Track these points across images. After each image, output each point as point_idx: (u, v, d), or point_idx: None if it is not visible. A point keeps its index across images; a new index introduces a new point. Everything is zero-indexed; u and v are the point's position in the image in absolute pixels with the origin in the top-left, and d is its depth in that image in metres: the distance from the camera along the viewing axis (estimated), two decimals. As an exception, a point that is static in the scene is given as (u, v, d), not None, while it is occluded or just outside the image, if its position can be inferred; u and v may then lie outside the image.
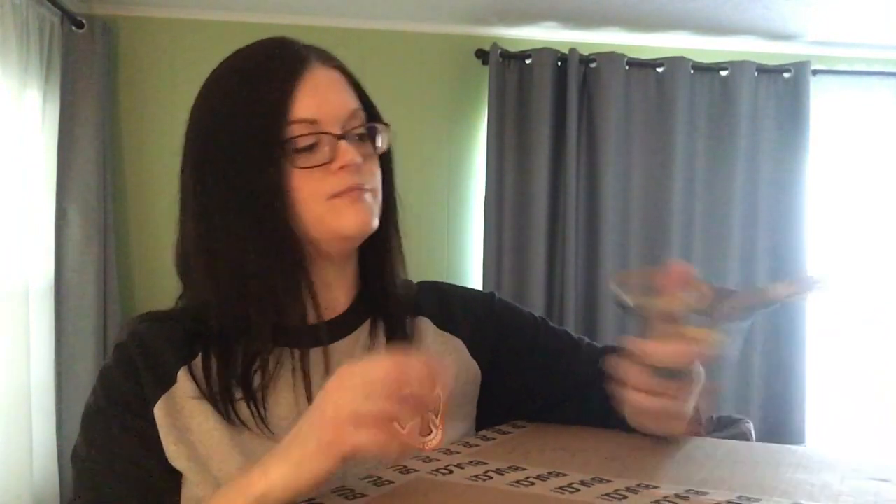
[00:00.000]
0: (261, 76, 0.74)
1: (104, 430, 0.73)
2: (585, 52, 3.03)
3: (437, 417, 0.78)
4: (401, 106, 3.08)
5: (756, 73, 3.11)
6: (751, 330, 3.12)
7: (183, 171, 0.79)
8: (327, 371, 0.75)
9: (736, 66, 3.09)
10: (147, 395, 0.73)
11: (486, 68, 2.99)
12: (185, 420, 0.73)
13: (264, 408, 0.73)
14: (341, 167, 0.72)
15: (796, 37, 3.12)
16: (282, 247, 0.73)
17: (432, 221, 3.10)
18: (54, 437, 2.57)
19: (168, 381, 0.74)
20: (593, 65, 3.04)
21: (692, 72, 3.08)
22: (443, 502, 0.64)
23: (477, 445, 0.81)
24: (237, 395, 0.73)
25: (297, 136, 0.72)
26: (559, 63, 3.03)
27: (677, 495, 0.62)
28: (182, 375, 0.74)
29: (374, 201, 0.76)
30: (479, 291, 0.96)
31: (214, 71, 0.80)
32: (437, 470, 0.71)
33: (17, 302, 2.31)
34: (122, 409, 0.73)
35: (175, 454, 0.72)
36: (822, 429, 3.19)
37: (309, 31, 3.00)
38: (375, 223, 0.76)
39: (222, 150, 0.74)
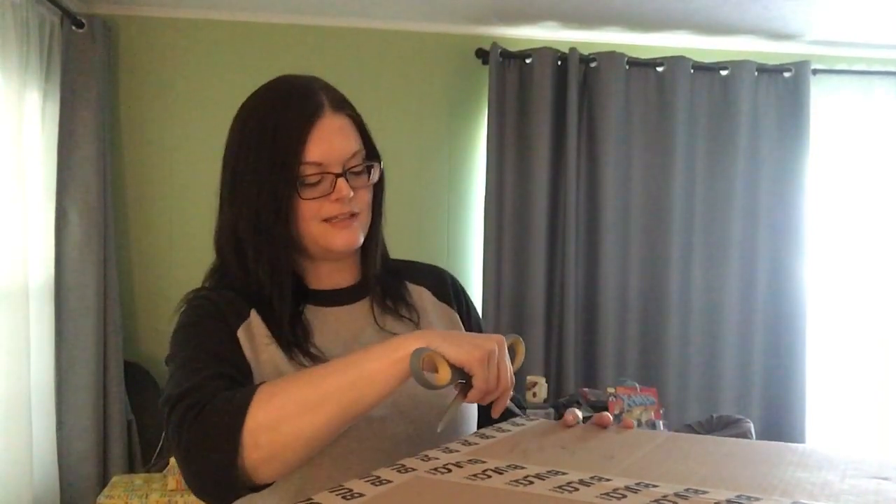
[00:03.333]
0: (282, 120, 0.91)
1: (199, 332, 0.90)
2: (585, 52, 3.03)
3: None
4: (401, 106, 3.08)
5: (756, 73, 3.11)
6: (751, 331, 3.12)
7: (222, 176, 0.97)
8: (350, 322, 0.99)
9: (736, 65, 3.08)
10: (231, 322, 0.91)
11: (486, 68, 2.99)
12: (257, 351, 0.91)
13: (314, 346, 0.94)
14: (336, 199, 0.92)
15: (796, 36, 3.12)
16: (281, 250, 0.94)
17: (432, 221, 3.10)
18: (54, 437, 2.57)
19: (244, 315, 0.92)
20: (593, 64, 3.04)
21: (692, 71, 3.08)
22: (440, 502, 0.63)
23: (476, 444, 0.81)
24: (292, 340, 0.93)
25: (307, 175, 0.91)
26: (559, 63, 3.02)
27: (677, 494, 0.62)
28: (254, 313, 0.93)
29: (360, 223, 0.96)
30: (442, 271, 1.13)
31: (249, 99, 0.97)
32: (435, 469, 0.71)
33: (17, 302, 2.31)
34: (213, 320, 0.91)
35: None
36: (822, 428, 3.19)
37: (309, 31, 3.01)
38: (360, 241, 0.97)
39: (248, 173, 0.93)
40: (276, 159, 0.90)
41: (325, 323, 0.97)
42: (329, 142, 0.91)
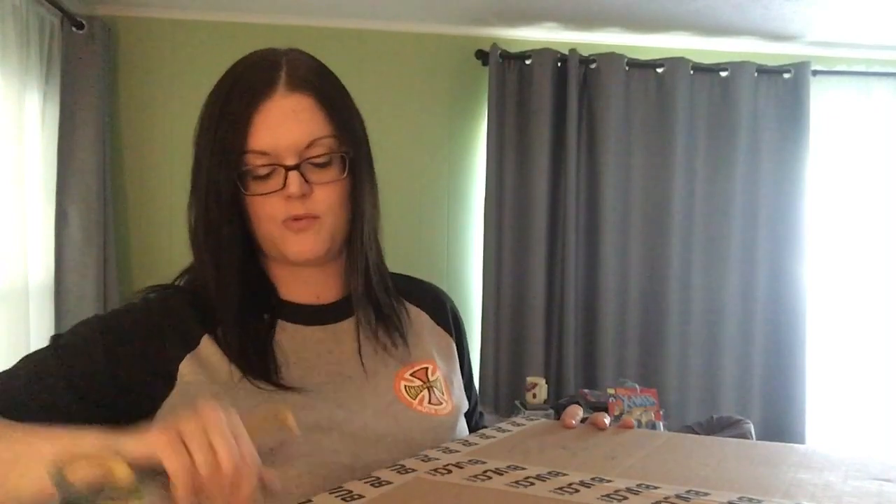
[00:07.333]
0: (228, 102, 0.78)
1: (85, 335, 0.77)
2: (585, 53, 3.03)
3: (443, 393, 0.88)
4: (401, 106, 3.08)
5: (756, 74, 3.11)
6: (751, 331, 3.12)
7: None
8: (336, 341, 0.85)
9: (736, 66, 3.08)
10: (170, 354, 0.78)
11: (486, 69, 2.99)
12: (215, 376, 0.77)
13: (278, 369, 0.80)
14: (287, 196, 0.77)
15: (796, 37, 3.12)
16: (227, 254, 0.81)
17: (432, 221, 3.10)
18: (54, 437, 2.56)
19: (192, 343, 0.79)
20: (593, 65, 3.04)
21: (692, 72, 3.08)
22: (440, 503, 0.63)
23: (476, 444, 0.80)
24: (258, 362, 0.79)
25: (256, 165, 0.77)
26: (559, 63, 3.02)
27: (678, 496, 0.62)
28: (206, 340, 0.79)
29: (321, 228, 0.80)
30: (441, 293, 1.00)
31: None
32: (435, 469, 0.70)
33: (17, 302, 2.31)
34: (114, 339, 0.77)
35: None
36: (822, 429, 3.19)
37: (309, 32, 3.01)
38: (321, 250, 0.81)
39: (200, 165, 0.80)
40: (217, 147, 0.77)
41: (303, 346, 0.83)
42: (278, 127, 0.76)
